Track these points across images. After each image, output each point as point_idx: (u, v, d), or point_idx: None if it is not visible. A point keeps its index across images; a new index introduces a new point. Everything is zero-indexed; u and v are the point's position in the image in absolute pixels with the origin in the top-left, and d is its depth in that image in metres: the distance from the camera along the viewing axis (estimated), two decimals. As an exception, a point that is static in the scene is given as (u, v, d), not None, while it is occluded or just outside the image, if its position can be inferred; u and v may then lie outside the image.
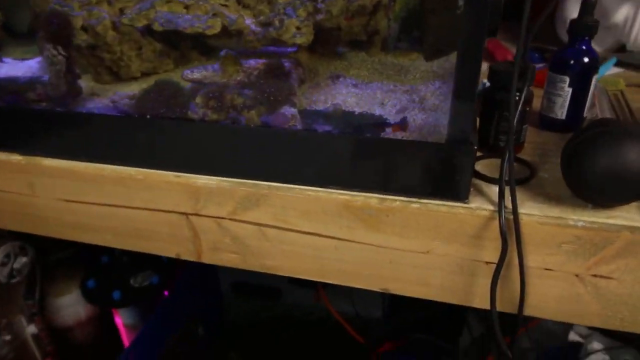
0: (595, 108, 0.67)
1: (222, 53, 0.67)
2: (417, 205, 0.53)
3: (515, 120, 0.53)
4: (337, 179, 0.56)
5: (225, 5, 0.75)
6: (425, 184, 0.53)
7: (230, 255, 0.65)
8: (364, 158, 0.54)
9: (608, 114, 0.64)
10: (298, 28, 0.73)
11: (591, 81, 0.64)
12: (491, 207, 0.52)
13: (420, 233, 0.54)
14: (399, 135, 0.55)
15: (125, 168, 0.64)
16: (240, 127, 0.58)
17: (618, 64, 0.93)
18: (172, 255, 0.69)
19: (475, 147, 0.49)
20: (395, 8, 0.49)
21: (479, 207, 0.52)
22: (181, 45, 0.82)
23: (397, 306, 1.07)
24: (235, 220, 0.62)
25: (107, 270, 1.26)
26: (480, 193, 0.54)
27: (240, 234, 0.63)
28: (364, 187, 0.55)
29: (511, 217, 0.50)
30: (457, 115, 0.49)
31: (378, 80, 0.74)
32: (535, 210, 0.51)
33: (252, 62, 0.68)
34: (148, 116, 0.61)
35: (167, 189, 0.63)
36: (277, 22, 0.71)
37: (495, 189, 0.55)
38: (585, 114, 0.66)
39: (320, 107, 0.67)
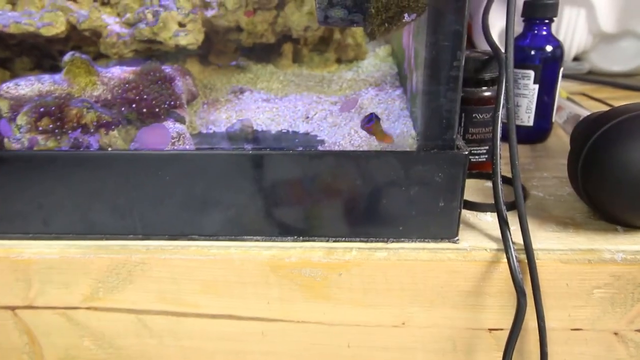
0: (563, 110, 0.54)
1: (67, 57, 0.45)
2: (384, 253, 0.35)
3: (499, 122, 0.38)
4: (257, 225, 0.36)
5: (74, 0, 0.53)
6: (394, 218, 0.34)
7: (93, 365, 0.41)
8: (297, 188, 0.34)
9: (586, 114, 0.51)
10: (181, 25, 0.53)
11: (558, 75, 0.52)
12: (492, 245, 0.35)
13: (390, 296, 0.36)
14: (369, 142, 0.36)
15: None
16: (94, 154, 0.36)
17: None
18: (-5, 376, 0.42)
19: (468, 154, 0.32)
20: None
21: (475, 246, 0.35)
22: (15, 64, 0.58)
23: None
24: (96, 309, 0.39)
25: None
26: (470, 226, 0.37)
27: (106, 331, 0.39)
28: (301, 234, 0.36)
29: (523, 256, 0.34)
30: (434, 106, 0.32)
31: (295, 93, 0.57)
32: (554, 243, 0.35)
33: (115, 70, 0.47)
34: None
35: (-25, 270, 0.38)
36: (150, 16, 0.51)
37: (487, 220, 0.38)
38: (553, 119, 0.53)
39: (222, 127, 0.48)
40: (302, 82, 0.59)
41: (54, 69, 0.60)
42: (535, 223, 0.37)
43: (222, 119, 0.50)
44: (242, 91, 0.56)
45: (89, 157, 0.35)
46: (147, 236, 0.37)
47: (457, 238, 0.35)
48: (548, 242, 0.35)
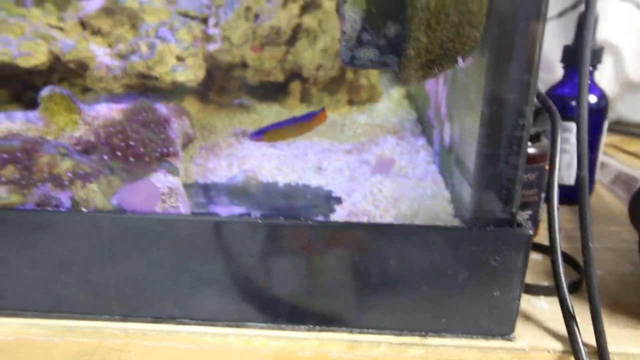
0: (607, 168, 0.48)
1: (45, 92, 0.39)
2: (420, 350, 0.28)
3: (556, 187, 0.32)
4: (262, 309, 0.29)
5: (60, 28, 0.48)
6: (435, 308, 0.28)
7: None
8: (314, 266, 0.28)
9: (636, 175, 0.46)
10: (180, 59, 0.48)
11: (603, 129, 0.46)
12: (556, 345, 0.28)
13: (428, 404, 0.28)
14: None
15: None
16: (64, 215, 0.29)
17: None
18: None
19: (532, 233, 0.26)
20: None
21: (534, 346, 0.28)
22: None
23: None
24: (57, 402, 0.31)
25: None
26: (522, 316, 0.31)
27: None
28: (317, 322, 0.29)
29: (595, 360, 0.27)
30: (492, 173, 0.26)
31: (305, 138, 0.51)
32: (634, 346, 0.28)
33: (101, 109, 0.40)
34: None
35: None
36: (145, 48, 0.46)
37: (542, 307, 0.31)
38: (596, 177, 0.48)
39: (222, 177, 0.41)
40: (312, 125, 0.53)
41: (36, 103, 0.54)
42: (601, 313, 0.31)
43: (222, 166, 0.43)
44: (245, 134, 0.50)
45: (58, 219, 0.29)
46: (125, 317, 0.30)
47: (512, 335, 0.28)
48: (624, 343, 0.28)
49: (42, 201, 0.30)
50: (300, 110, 0.58)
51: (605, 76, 0.72)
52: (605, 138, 0.70)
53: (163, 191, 0.32)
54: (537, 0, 0.23)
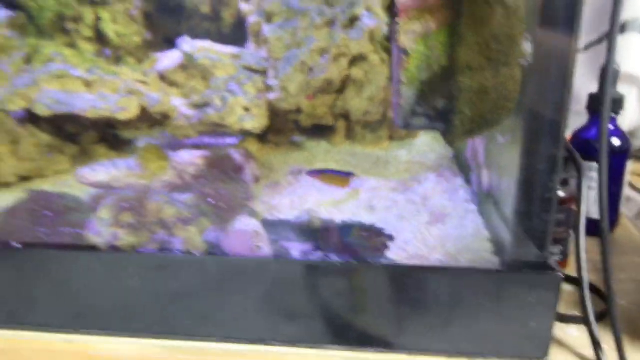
0: (632, 202, 0.53)
1: (141, 144, 0.46)
2: (468, 370, 0.34)
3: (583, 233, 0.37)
4: (334, 333, 0.35)
5: (144, 83, 0.55)
6: (479, 336, 0.33)
7: None
8: (382, 299, 0.34)
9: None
10: (246, 109, 0.55)
11: (625, 168, 0.51)
12: (584, 367, 0.33)
13: (475, 415, 0.34)
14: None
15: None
16: (174, 256, 0.36)
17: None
18: None
19: (562, 275, 0.31)
20: (410, 65, 0.32)
21: (565, 367, 0.33)
22: (82, 137, 0.59)
23: None
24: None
25: None
26: (555, 342, 0.36)
27: None
28: (382, 345, 0.35)
29: (617, 381, 0.32)
30: (526, 228, 0.31)
31: (354, 175, 0.57)
32: (653, 368, 0.33)
33: (185, 156, 0.48)
34: (16, 245, 0.37)
35: (47, 364, 0.38)
36: (218, 102, 0.53)
37: (573, 334, 0.37)
38: (621, 210, 0.53)
39: (287, 214, 0.48)
40: (359, 163, 0.60)
41: (117, 140, 0.62)
42: (625, 341, 0.36)
43: (285, 204, 0.50)
44: (300, 172, 0.56)
45: (171, 260, 0.36)
46: (224, 339, 0.36)
47: (547, 358, 0.33)
48: (646, 366, 0.33)
49: (156, 242, 0.37)
50: (345, 147, 0.64)
51: (630, 106, 0.77)
52: (631, 168, 0.74)
53: (250, 233, 0.38)
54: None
